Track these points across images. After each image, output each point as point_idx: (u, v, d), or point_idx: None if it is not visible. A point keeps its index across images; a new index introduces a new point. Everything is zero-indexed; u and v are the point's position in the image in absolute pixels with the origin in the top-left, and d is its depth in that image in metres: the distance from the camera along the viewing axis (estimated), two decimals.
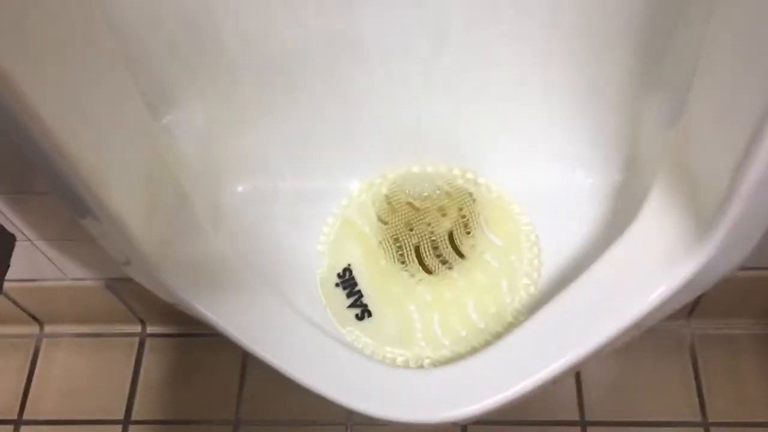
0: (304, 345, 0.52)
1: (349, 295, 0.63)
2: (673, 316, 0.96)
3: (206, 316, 0.52)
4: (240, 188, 0.68)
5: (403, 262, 0.65)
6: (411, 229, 0.67)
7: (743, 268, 0.83)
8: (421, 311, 0.62)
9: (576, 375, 0.96)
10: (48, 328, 1.09)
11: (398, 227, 0.67)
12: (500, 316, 0.61)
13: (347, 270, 0.65)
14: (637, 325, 0.48)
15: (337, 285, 0.64)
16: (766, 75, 0.36)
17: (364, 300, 0.63)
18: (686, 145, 0.47)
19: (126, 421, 1.02)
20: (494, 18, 0.54)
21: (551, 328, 0.47)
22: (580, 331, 0.46)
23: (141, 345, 1.07)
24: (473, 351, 0.56)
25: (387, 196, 0.68)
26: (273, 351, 0.51)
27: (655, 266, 0.46)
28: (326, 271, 0.65)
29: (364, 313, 0.62)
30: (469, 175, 0.68)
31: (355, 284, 0.64)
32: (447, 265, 0.64)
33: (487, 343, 0.57)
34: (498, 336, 0.58)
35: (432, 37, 0.57)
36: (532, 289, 0.62)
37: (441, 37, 0.57)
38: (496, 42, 0.57)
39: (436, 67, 0.59)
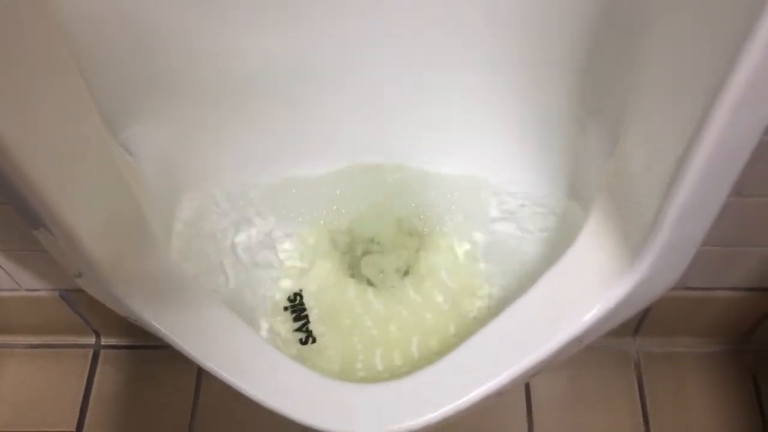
0: (255, 359, 0.53)
1: (296, 320, 0.64)
2: (619, 334, 1.00)
3: (158, 330, 0.53)
4: (196, 204, 0.69)
5: (354, 293, 0.65)
6: (366, 257, 0.68)
7: (687, 288, 0.87)
8: (366, 343, 0.62)
9: (526, 394, 0.98)
10: (0, 339, 1.07)
11: (354, 255, 0.68)
12: (441, 355, 0.62)
13: (298, 295, 0.65)
14: (578, 340, 0.50)
15: (285, 309, 0.64)
16: (690, 108, 0.38)
17: (311, 326, 0.63)
18: (620, 172, 0.50)
19: None
20: (441, 53, 0.57)
21: (490, 347, 0.49)
22: (519, 349, 0.48)
23: (95, 357, 1.06)
24: None
25: (344, 224, 0.69)
26: (224, 365, 0.52)
27: (589, 288, 0.49)
28: (278, 293, 0.65)
29: (308, 338, 0.63)
30: (424, 206, 0.69)
31: (304, 309, 0.64)
32: (397, 299, 0.65)
33: None
34: None
35: (387, 64, 0.59)
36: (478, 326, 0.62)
37: (395, 65, 0.59)
38: (443, 72, 0.59)
39: (391, 93, 0.61)
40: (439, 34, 0.57)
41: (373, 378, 0.60)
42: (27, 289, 0.93)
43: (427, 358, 0.60)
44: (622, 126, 0.50)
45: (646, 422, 0.96)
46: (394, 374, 0.60)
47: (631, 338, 1.01)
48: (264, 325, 0.63)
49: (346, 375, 0.60)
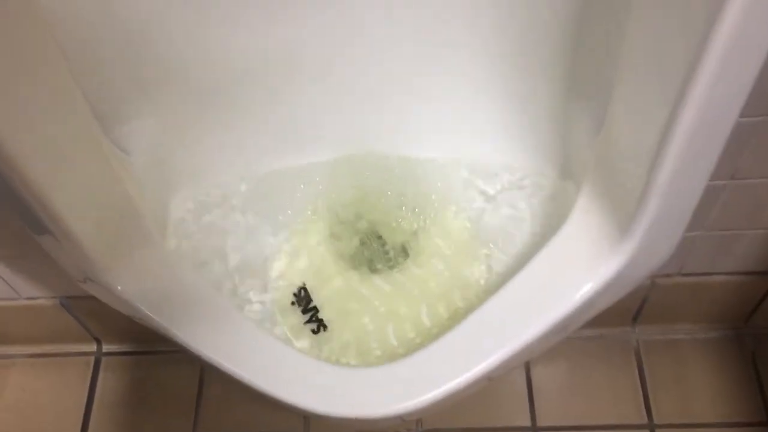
0: (256, 350, 0.53)
1: (304, 312, 0.64)
2: (619, 323, 1.00)
3: (159, 325, 0.53)
4: (190, 199, 0.69)
5: (356, 278, 0.66)
6: (363, 244, 0.68)
7: (684, 274, 0.88)
8: (376, 322, 0.63)
9: (527, 381, 0.98)
10: (1, 349, 1.07)
11: (351, 243, 0.68)
12: (454, 321, 0.62)
13: (302, 289, 0.65)
14: (575, 317, 0.51)
15: (293, 303, 0.65)
16: (671, 80, 0.39)
17: (320, 315, 0.64)
18: (608, 150, 0.51)
19: None
20: (426, 38, 0.59)
21: (484, 328, 0.50)
22: (513, 329, 0.49)
23: (97, 364, 1.06)
24: None
25: (338, 213, 0.69)
26: (227, 358, 0.53)
27: (582, 265, 0.49)
28: (281, 290, 0.66)
29: (320, 327, 0.63)
30: (417, 189, 0.69)
31: (310, 300, 0.65)
32: (400, 275, 0.65)
33: None
34: None
35: (370, 52, 0.60)
36: (481, 294, 0.63)
37: (379, 53, 0.60)
38: (429, 58, 0.60)
39: (375, 81, 0.62)
40: (423, 16, 0.57)
41: (390, 354, 0.60)
42: (26, 298, 0.93)
43: (439, 326, 0.61)
44: (609, 103, 0.51)
45: (648, 409, 0.96)
46: (410, 347, 0.60)
47: (630, 327, 1.01)
48: (273, 324, 0.64)
49: (363, 356, 0.60)
